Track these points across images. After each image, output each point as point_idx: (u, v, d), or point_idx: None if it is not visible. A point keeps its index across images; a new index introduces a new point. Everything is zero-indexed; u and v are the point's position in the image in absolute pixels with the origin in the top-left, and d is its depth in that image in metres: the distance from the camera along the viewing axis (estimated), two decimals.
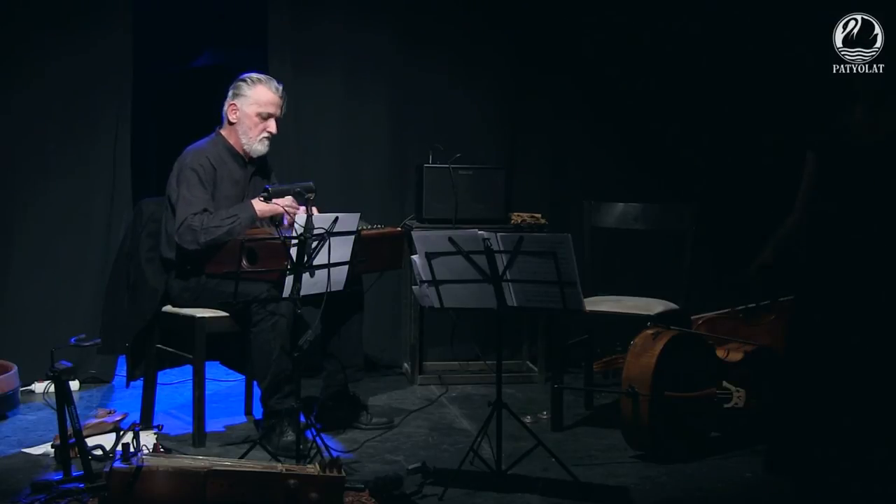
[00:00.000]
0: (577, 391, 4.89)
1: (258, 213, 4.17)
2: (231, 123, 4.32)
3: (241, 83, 4.32)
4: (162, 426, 4.18)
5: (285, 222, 4.19)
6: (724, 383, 4.15)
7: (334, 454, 3.70)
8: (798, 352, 3.41)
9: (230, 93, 4.33)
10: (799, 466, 3.44)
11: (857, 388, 3.28)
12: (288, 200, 4.15)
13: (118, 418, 4.20)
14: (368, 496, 3.50)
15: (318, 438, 3.71)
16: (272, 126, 4.33)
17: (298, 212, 4.08)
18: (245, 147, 4.32)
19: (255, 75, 4.35)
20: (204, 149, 4.28)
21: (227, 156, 4.31)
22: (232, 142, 4.33)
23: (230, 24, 6.17)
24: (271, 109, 4.32)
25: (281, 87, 4.37)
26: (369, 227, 4.34)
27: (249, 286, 3.93)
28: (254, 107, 4.29)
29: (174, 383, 5.02)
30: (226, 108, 4.33)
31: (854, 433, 3.26)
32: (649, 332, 4.09)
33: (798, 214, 3.73)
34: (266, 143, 4.34)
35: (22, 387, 4.81)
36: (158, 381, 4.41)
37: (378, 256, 4.29)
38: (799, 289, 3.48)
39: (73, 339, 3.79)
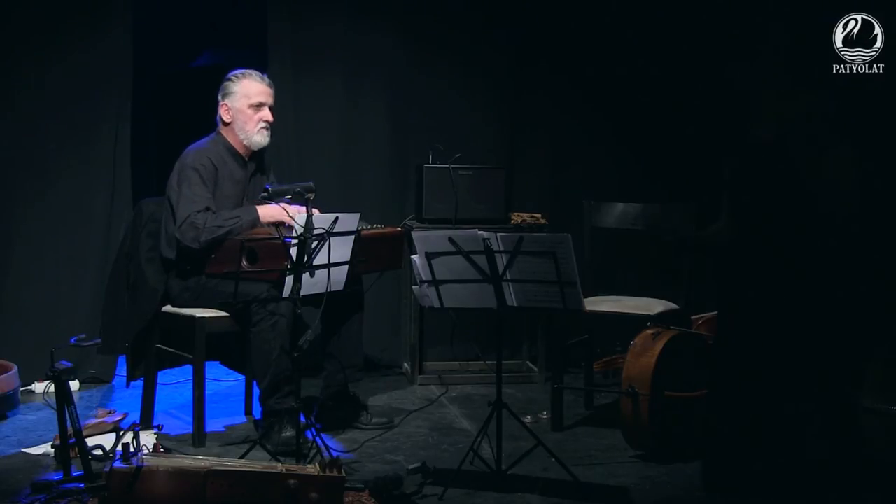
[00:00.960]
0: (577, 391, 4.89)
1: (261, 217, 4.17)
2: (227, 124, 4.32)
3: (226, 83, 4.34)
4: (162, 426, 4.18)
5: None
6: None
7: (334, 454, 3.70)
8: (725, 363, 3.26)
9: (219, 95, 4.34)
10: (737, 482, 3.31)
11: (790, 392, 3.13)
12: (292, 209, 4.13)
13: (118, 418, 4.20)
14: (368, 496, 3.50)
15: (318, 438, 3.71)
16: (267, 114, 4.33)
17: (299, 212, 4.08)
18: (245, 142, 4.33)
19: (238, 71, 4.37)
20: (205, 148, 4.28)
21: (228, 155, 4.31)
22: (231, 141, 4.33)
23: (230, 24, 6.18)
24: (262, 98, 4.32)
25: (267, 77, 4.38)
26: (369, 227, 4.34)
27: (249, 286, 3.93)
28: (244, 100, 4.29)
29: (174, 383, 5.02)
30: (219, 111, 4.34)
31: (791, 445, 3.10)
32: (649, 332, 4.09)
33: (722, 223, 3.49)
34: (265, 133, 4.34)
35: (22, 387, 4.81)
36: (158, 381, 4.41)
37: (378, 256, 4.29)
38: (721, 299, 3.32)
39: (73, 339, 3.79)
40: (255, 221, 4.16)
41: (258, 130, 4.32)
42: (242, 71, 4.37)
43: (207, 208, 4.12)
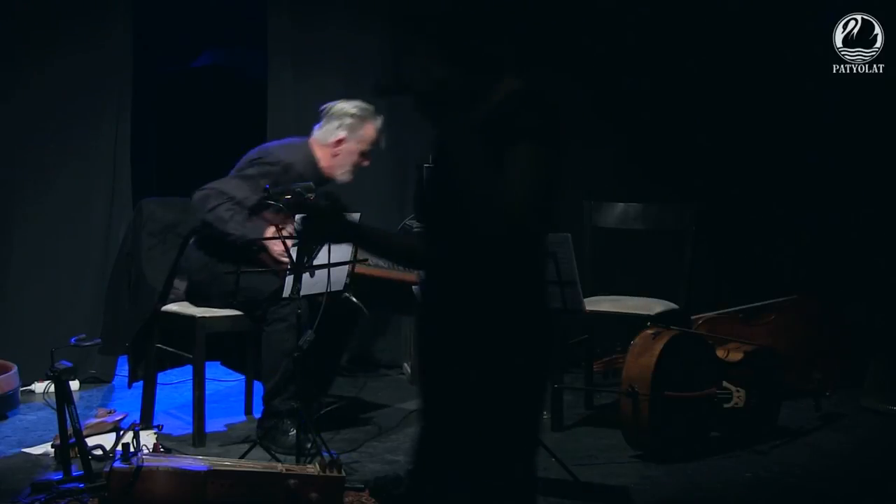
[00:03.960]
0: (577, 391, 4.89)
1: (270, 248, 4.05)
2: (334, 155, 4.24)
3: (352, 119, 4.22)
4: (162, 426, 4.18)
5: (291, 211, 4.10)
6: (724, 383, 4.15)
7: (334, 454, 3.70)
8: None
9: (336, 122, 4.23)
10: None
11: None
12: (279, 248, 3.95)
13: (118, 418, 4.20)
14: (368, 496, 3.50)
15: (318, 438, 3.71)
16: (366, 162, 4.30)
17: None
18: (336, 176, 4.27)
19: (362, 107, 4.27)
20: (292, 151, 4.21)
21: (310, 170, 4.21)
22: (319, 155, 4.26)
23: (230, 24, 6.18)
24: (372, 148, 4.29)
25: (381, 120, 4.30)
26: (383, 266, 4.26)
27: (262, 283, 3.93)
28: (360, 145, 4.25)
29: (174, 383, 5.01)
30: (331, 136, 4.23)
31: None
32: (649, 332, 4.09)
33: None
34: (352, 174, 4.30)
35: (22, 387, 4.81)
36: (158, 381, 4.41)
37: (386, 297, 4.29)
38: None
39: (73, 339, 3.79)
40: (256, 247, 4.05)
41: (350, 171, 4.28)
42: (367, 107, 4.27)
43: (232, 199, 4.03)
